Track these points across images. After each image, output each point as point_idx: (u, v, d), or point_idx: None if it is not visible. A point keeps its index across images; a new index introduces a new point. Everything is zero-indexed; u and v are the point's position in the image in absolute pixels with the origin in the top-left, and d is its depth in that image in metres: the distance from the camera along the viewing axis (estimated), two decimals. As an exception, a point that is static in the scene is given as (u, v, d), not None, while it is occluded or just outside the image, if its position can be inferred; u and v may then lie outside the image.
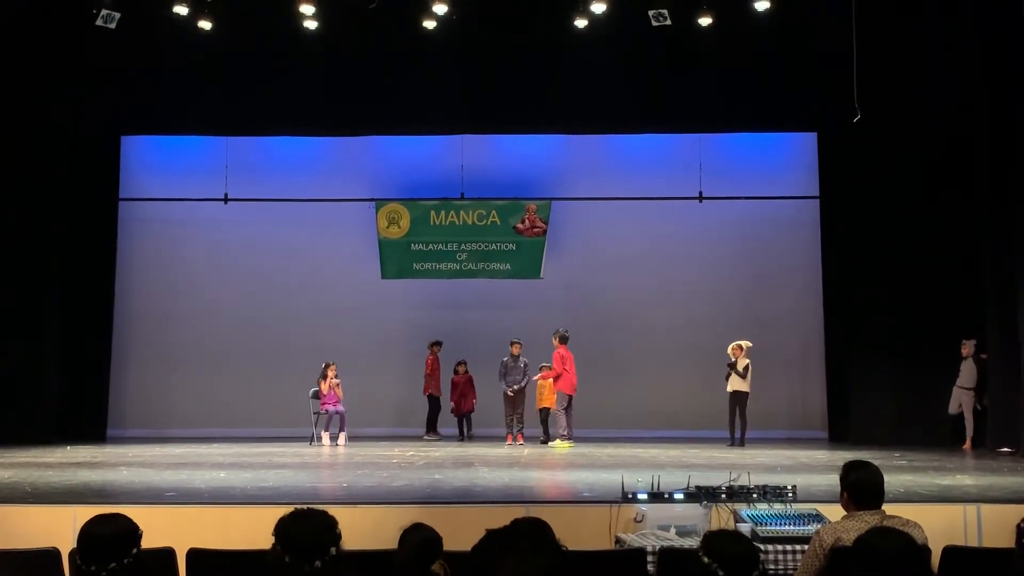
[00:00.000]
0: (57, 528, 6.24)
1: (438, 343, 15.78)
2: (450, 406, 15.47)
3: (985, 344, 13.57)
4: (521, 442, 14.51)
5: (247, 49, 14.64)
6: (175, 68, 14.81)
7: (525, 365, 14.88)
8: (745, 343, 14.39)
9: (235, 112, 15.34)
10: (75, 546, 3.66)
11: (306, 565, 3.29)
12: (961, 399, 13.80)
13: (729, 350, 14.42)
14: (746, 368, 14.24)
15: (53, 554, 4.95)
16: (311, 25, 13.82)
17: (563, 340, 14.47)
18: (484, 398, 15.41)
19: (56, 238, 14.84)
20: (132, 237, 16.29)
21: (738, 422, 14.16)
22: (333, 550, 3.35)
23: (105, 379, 15.69)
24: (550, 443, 14.16)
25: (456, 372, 15.40)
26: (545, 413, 14.71)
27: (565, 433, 14.12)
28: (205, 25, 13.72)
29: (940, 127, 14.16)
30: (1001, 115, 12.87)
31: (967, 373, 13.77)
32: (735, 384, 14.28)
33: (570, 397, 14.31)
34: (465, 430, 15.31)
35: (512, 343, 14.96)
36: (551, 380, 14.60)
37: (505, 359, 14.93)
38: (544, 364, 14.65)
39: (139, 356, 16.29)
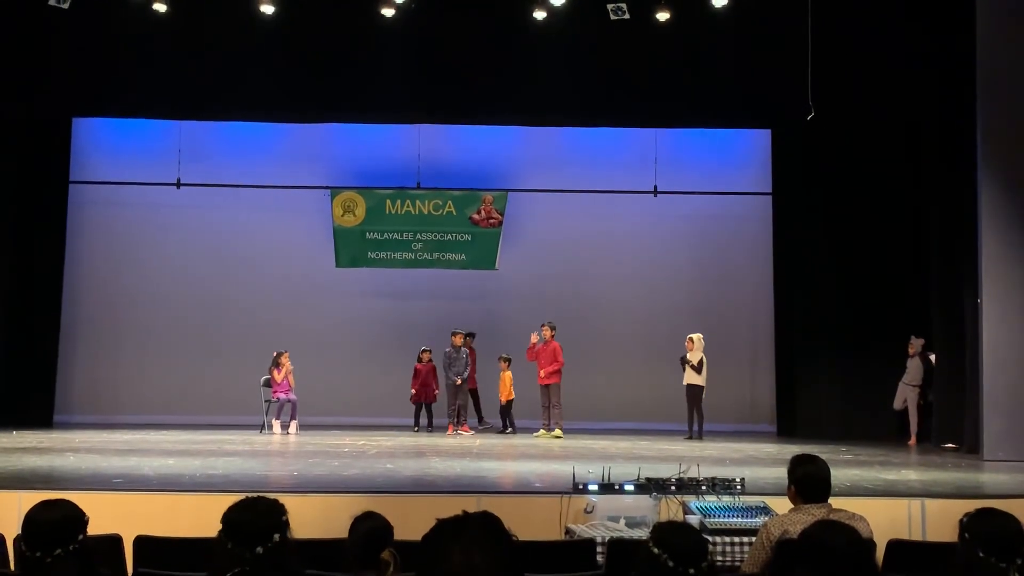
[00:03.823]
0: (2, 514, 6.16)
1: (471, 334, 15.39)
2: (410, 394, 15.12)
3: (932, 342, 13.78)
4: (467, 432, 14.53)
5: (202, 32, 14.38)
6: (129, 50, 14.54)
7: (466, 355, 14.87)
8: (697, 336, 14.38)
9: (189, 96, 15.07)
10: (20, 532, 3.62)
11: (247, 552, 3.27)
12: (907, 395, 14.02)
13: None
14: (700, 362, 14.26)
15: (-3, 540, 4.88)
16: (268, 9, 13.70)
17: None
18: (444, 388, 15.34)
19: (4, 220, 14.59)
20: (82, 220, 16.05)
21: (696, 415, 14.23)
22: (276, 536, 3.33)
23: (53, 364, 15.43)
24: (551, 433, 14.06)
25: (419, 360, 15.10)
26: (509, 406, 14.72)
27: (558, 423, 14.20)
28: (160, 7, 13.55)
29: (892, 127, 14.42)
30: (949, 116, 13.06)
31: (913, 370, 14.00)
32: (688, 377, 14.28)
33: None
34: (426, 421, 14.99)
35: (453, 334, 14.94)
36: (510, 375, 14.63)
37: (447, 350, 14.90)
38: (535, 338, 14.46)
39: (88, 341, 16.06)
